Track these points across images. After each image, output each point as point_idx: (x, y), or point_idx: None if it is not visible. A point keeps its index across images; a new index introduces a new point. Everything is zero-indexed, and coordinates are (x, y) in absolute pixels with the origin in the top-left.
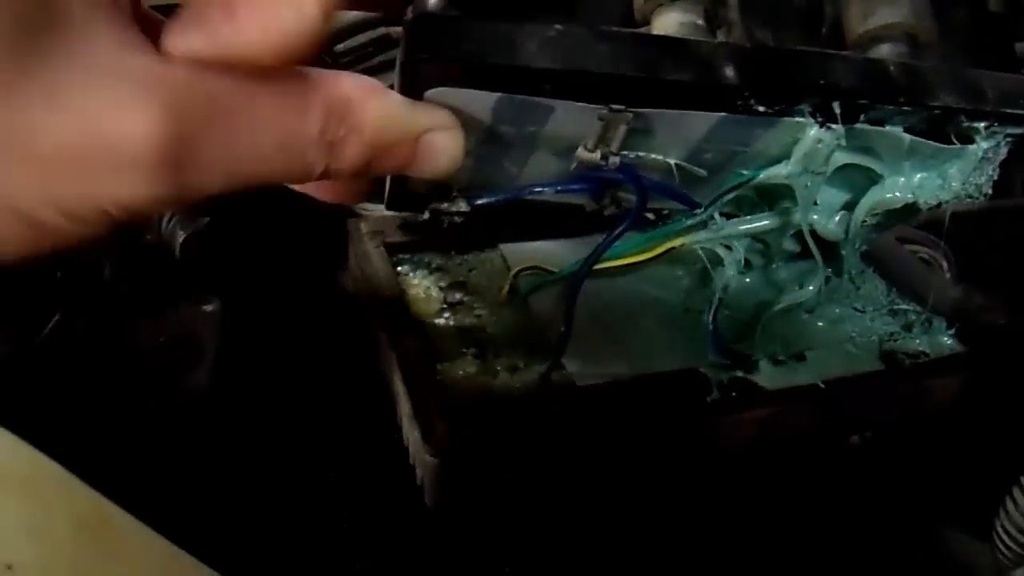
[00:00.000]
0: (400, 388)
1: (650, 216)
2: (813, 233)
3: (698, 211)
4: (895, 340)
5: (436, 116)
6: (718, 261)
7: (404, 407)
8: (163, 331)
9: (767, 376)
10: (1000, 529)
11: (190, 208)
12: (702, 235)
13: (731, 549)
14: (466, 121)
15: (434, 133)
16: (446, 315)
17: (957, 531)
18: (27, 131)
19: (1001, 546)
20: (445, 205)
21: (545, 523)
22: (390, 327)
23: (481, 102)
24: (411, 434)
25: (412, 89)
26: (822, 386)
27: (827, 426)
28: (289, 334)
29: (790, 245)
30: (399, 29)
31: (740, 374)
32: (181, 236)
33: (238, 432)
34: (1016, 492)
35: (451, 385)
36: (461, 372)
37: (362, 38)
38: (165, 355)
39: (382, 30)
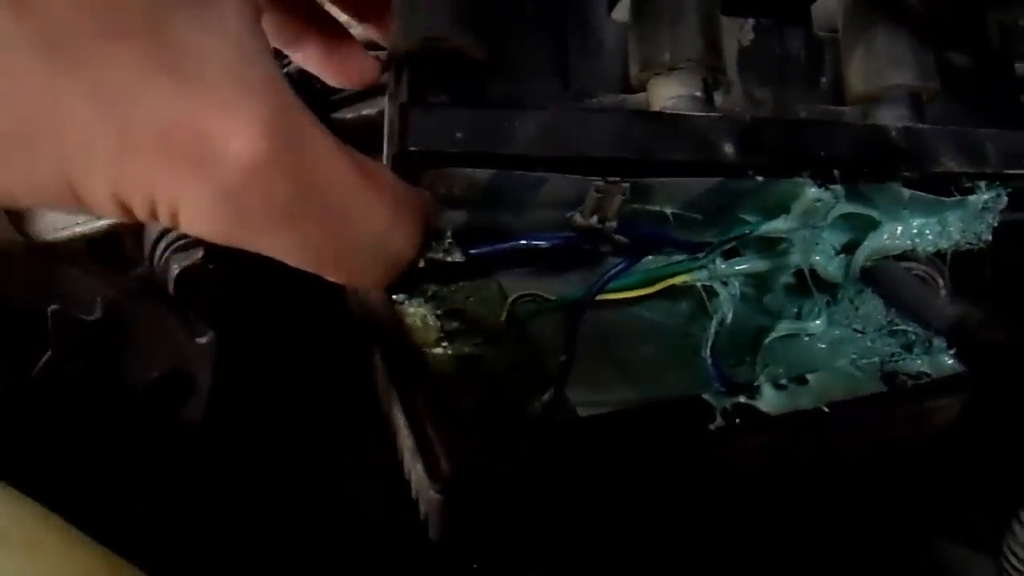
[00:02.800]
0: (401, 421)
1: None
2: (812, 272)
3: (699, 258)
4: (896, 361)
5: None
6: (715, 295)
7: (406, 441)
8: (157, 365)
9: (770, 401)
10: (1008, 549)
11: (185, 240)
12: (702, 274)
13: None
14: (458, 192)
15: None
16: (444, 344)
17: (959, 546)
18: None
19: (1008, 566)
20: (441, 255)
21: (551, 553)
22: (388, 358)
23: (476, 177)
24: (414, 469)
25: (404, 173)
26: (826, 410)
27: (832, 449)
28: (286, 366)
29: (787, 279)
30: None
31: (743, 400)
32: (175, 270)
33: (235, 466)
34: (1022, 513)
35: (453, 417)
36: (463, 403)
37: None
38: (159, 389)
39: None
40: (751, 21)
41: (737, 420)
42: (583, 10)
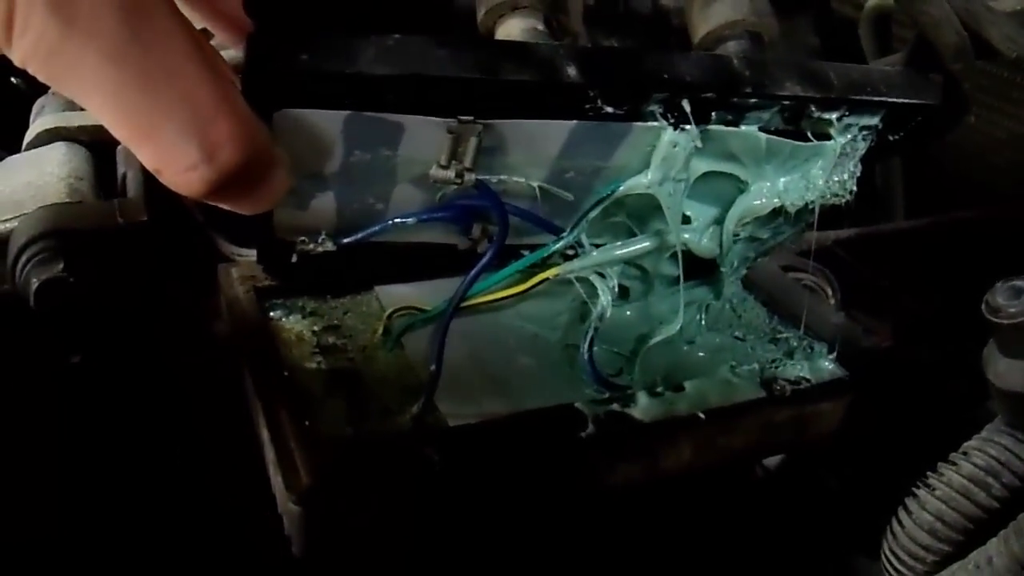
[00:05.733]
0: (265, 435)
1: (525, 253)
2: (689, 253)
3: (564, 235)
4: (776, 367)
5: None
6: (593, 292)
7: (269, 455)
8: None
9: (644, 409)
10: (888, 551)
11: (44, 254)
12: (574, 264)
13: None
14: (318, 150)
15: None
16: (318, 359)
17: (853, 553)
18: None
19: (889, 568)
20: (311, 246)
21: (418, 569)
22: (256, 373)
23: (330, 126)
24: (275, 481)
25: (257, 108)
26: (702, 416)
27: (710, 456)
28: (157, 385)
29: (668, 269)
30: None
31: (616, 407)
32: (35, 283)
33: (104, 489)
34: (902, 514)
35: (319, 431)
36: (331, 417)
37: None
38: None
39: None
40: None
41: (609, 428)
42: None
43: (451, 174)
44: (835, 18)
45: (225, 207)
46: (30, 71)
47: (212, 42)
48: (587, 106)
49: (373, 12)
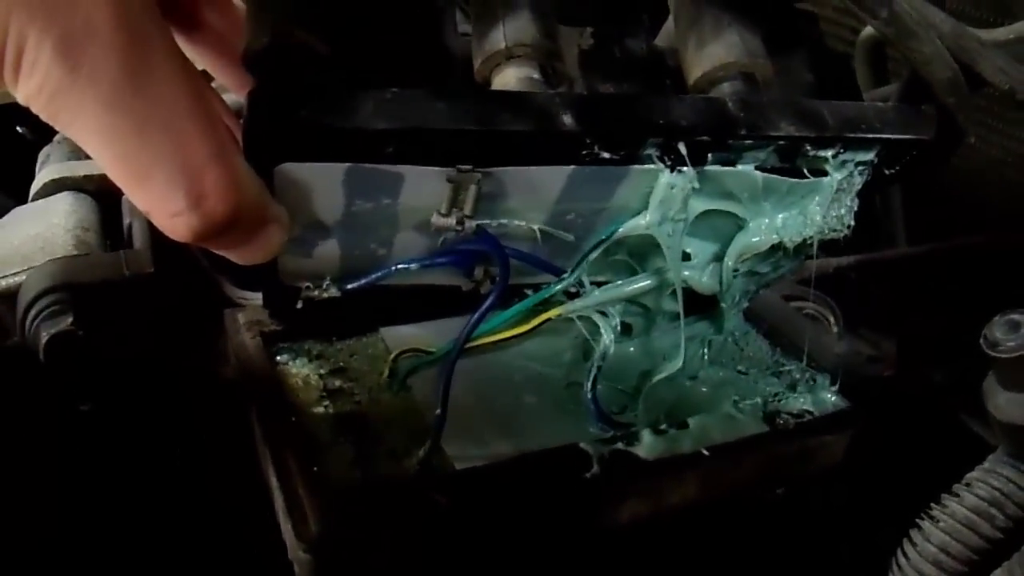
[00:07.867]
0: (274, 482)
1: (528, 293)
2: (690, 290)
3: (564, 276)
4: (779, 400)
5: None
6: (596, 330)
7: (279, 502)
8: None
9: (648, 447)
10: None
11: (54, 307)
12: (576, 304)
13: None
14: (320, 201)
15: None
16: (325, 403)
17: None
18: None
19: None
20: (316, 292)
21: None
22: (264, 419)
23: (331, 178)
24: (285, 529)
25: (258, 163)
26: (706, 453)
27: (714, 492)
28: (167, 433)
29: (670, 305)
30: None
31: (620, 446)
32: (45, 337)
33: (115, 534)
34: (907, 546)
35: (327, 476)
36: (339, 461)
37: None
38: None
39: None
40: (589, 29)
41: (614, 467)
42: (433, 27)
43: (452, 221)
44: (829, 54)
45: (220, 254)
46: (33, 109)
47: (214, 83)
48: (584, 152)
49: (372, 64)
